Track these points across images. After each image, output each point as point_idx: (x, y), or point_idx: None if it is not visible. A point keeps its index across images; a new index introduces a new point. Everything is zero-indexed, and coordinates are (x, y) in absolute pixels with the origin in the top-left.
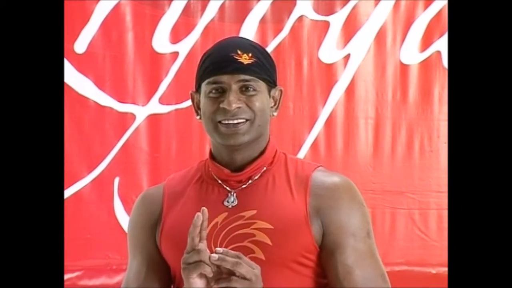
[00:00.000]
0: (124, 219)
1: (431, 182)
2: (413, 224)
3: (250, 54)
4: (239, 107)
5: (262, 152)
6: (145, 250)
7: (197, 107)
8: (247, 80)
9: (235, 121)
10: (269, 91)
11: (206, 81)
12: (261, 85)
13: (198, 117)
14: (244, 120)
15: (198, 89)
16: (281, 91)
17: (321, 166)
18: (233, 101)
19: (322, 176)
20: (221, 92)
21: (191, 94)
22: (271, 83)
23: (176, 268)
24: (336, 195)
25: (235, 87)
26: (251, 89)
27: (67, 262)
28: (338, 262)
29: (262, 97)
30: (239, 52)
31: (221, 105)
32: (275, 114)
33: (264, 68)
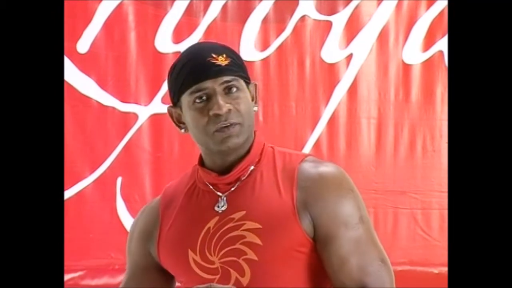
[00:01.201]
0: (126, 219)
1: (434, 182)
2: (415, 224)
3: (224, 55)
4: (229, 109)
5: (248, 151)
6: (135, 265)
7: (178, 121)
8: (229, 81)
9: (228, 124)
10: (247, 88)
11: (188, 91)
12: (242, 83)
13: (182, 130)
14: (235, 123)
15: (176, 103)
16: (255, 85)
17: (309, 156)
18: (223, 105)
19: (309, 167)
20: (206, 99)
21: (168, 110)
22: (247, 79)
23: (177, 276)
24: (322, 185)
25: (219, 90)
26: (234, 89)
27: (69, 262)
28: (331, 253)
29: (245, 96)
30: (213, 55)
31: (211, 112)
32: (255, 109)
33: (240, 66)
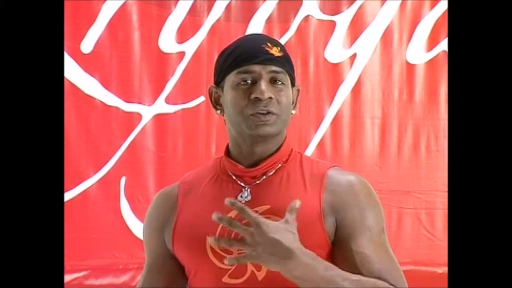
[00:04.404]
0: (130, 218)
1: (438, 182)
2: (419, 223)
3: (278, 48)
4: (270, 98)
5: (278, 149)
6: (154, 255)
7: (215, 102)
8: (277, 72)
9: (265, 111)
10: (292, 88)
11: (236, 71)
12: (288, 79)
13: (218, 112)
14: (273, 112)
15: (219, 83)
16: (298, 90)
17: (336, 165)
18: (265, 91)
19: (338, 174)
20: (251, 83)
21: (210, 88)
22: (293, 80)
23: (189, 266)
24: (351, 192)
25: (266, 77)
26: (280, 82)
27: (73, 262)
28: (354, 252)
29: (288, 92)
30: (269, 44)
31: (253, 95)
32: (293, 112)
33: (290, 63)
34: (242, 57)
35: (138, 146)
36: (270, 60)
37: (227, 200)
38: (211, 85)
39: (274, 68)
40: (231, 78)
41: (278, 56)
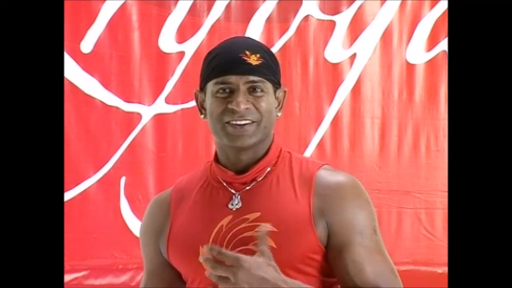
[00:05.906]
0: (130, 218)
1: (437, 182)
2: (419, 223)
3: (258, 55)
4: (247, 108)
5: (266, 153)
6: (153, 264)
7: (201, 106)
8: (255, 82)
9: (243, 122)
10: (275, 92)
11: (214, 80)
12: (268, 86)
13: (202, 116)
14: (251, 122)
15: (203, 88)
16: (285, 92)
17: (326, 164)
18: (242, 102)
19: (327, 175)
20: (229, 92)
21: (195, 93)
22: (277, 84)
23: (185, 274)
24: (340, 194)
25: (243, 88)
26: (259, 90)
27: (73, 262)
28: (346, 260)
29: (268, 98)
30: (247, 52)
31: (229, 106)
32: (279, 114)
33: (271, 69)
34: (219, 68)
35: (138, 146)
36: (247, 70)
37: (206, 248)
38: (196, 89)
39: (251, 78)
40: (211, 87)
41: (256, 65)
